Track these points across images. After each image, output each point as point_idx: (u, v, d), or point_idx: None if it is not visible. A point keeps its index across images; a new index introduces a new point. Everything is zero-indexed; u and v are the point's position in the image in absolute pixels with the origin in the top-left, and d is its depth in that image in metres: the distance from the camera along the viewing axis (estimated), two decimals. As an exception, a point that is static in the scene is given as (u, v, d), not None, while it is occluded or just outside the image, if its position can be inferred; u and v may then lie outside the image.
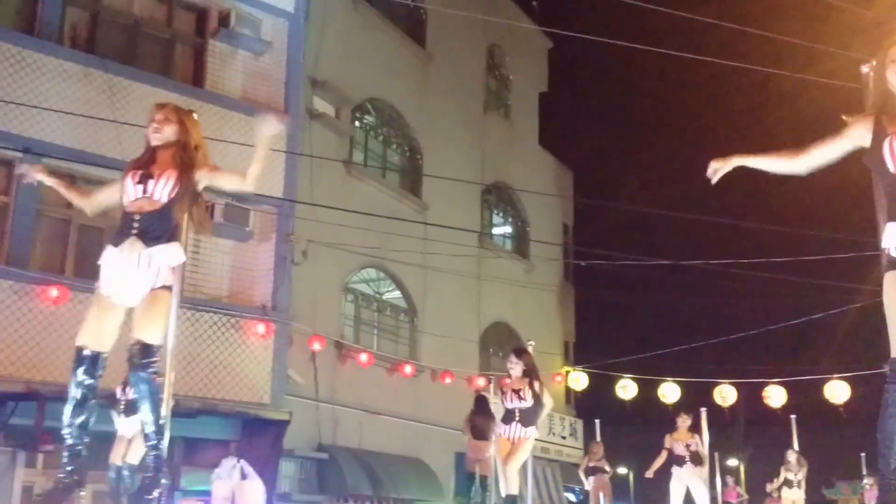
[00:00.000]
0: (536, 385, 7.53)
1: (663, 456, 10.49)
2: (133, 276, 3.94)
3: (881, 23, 9.98)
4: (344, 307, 15.18)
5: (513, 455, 7.41)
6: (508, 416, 7.49)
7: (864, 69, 5.60)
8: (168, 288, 4.02)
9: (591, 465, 13.17)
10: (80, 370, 3.91)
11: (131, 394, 6.65)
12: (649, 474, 10.80)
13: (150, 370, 3.90)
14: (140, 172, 4.05)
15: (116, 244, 4.01)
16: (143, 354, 3.88)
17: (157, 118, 4.17)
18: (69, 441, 3.92)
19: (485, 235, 18.91)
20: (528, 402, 7.44)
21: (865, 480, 17.30)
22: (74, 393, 3.91)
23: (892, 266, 3.17)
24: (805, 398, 13.92)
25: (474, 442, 10.64)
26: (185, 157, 4.11)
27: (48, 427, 9.16)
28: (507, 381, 7.64)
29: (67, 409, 3.92)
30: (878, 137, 3.26)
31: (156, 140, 4.15)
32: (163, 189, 4.01)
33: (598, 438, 13.86)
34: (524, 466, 7.59)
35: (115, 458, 7.64)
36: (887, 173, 3.22)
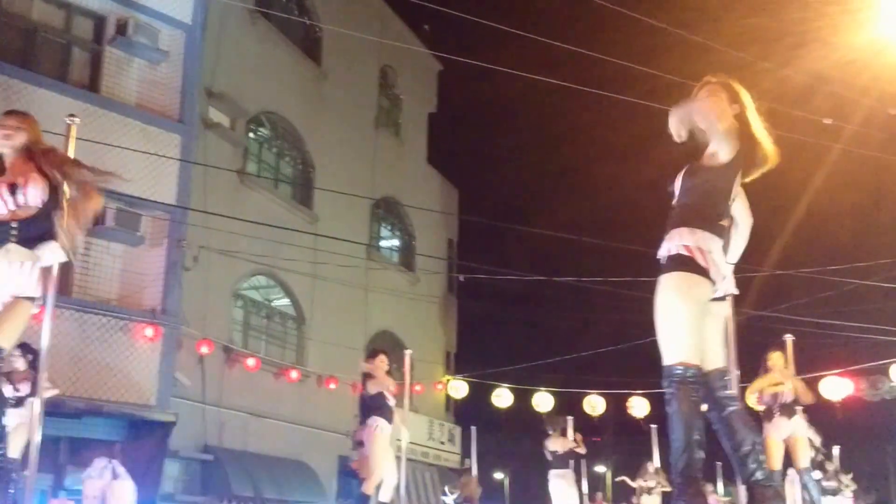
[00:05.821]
0: None
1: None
2: (4, 281, 3.91)
3: (752, 62, 11.26)
4: (233, 313, 15.45)
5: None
6: (392, 414, 7.57)
7: None
8: (31, 299, 4.02)
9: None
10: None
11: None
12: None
13: None
14: (5, 183, 3.98)
15: None
16: None
17: (8, 124, 4.10)
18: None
19: (373, 248, 19.49)
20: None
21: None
22: None
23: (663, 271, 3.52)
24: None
25: None
26: (44, 159, 4.11)
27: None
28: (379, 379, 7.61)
29: None
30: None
31: (5, 147, 4.09)
32: (35, 195, 4.00)
33: (474, 446, 14.45)
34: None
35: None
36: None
